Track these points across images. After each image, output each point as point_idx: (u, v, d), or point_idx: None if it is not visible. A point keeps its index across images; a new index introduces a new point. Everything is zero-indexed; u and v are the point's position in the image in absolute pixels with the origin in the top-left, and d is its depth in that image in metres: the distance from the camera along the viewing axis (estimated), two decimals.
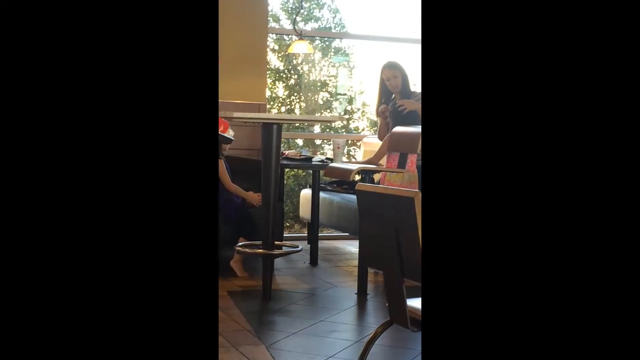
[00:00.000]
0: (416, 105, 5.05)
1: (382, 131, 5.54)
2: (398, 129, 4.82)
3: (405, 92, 5.30)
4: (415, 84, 5.60)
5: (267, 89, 6.70)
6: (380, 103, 5.45)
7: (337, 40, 8.44)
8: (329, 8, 8.29)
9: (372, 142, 6.12)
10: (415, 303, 2.38)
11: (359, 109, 8.57)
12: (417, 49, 7.14)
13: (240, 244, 4.79)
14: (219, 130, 4.77)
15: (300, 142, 7.93)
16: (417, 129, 4.75)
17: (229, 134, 5.01)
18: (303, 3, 7.90)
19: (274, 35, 7.70)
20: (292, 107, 8.36)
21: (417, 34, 7.07)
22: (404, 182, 4.63)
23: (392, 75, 5.34)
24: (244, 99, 6.06)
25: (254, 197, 4.98)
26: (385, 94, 5.41)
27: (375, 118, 6.59)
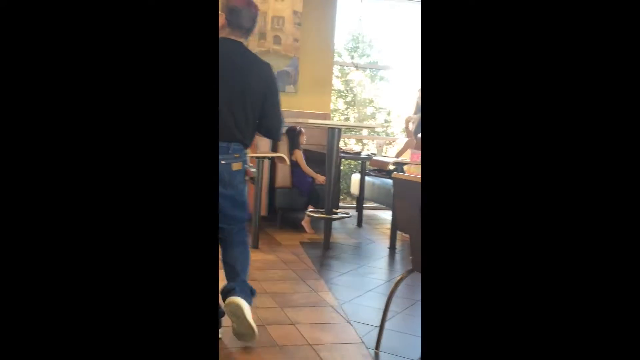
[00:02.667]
0: None
1: (408, 133, 5.52)
2: (421, 134, 4.81)
3: None
4: None
5: (331, 103, 6.71)
6: (415, 112, 5.41)
7: (382, 71, 8.38)
8: (377, 48, 8.23)
9: (403, 143, 6.09)
10: None
11: (395, 118, 8.52)
12: None
13: (309, 209, 4.85)
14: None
15: (353, 141, 7.92)
16: None
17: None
18: (359, 45, 7.88)
19: (337, 67, 7.69)
20: (348, 117, 8.34)
21: None
22: None
23: (418, 94, 5.32)
24: (316, 109, 6.09)
25: (320, 178, 5.02)
26: (419, 106, 5.37)
27: (404, 125, 6.55)
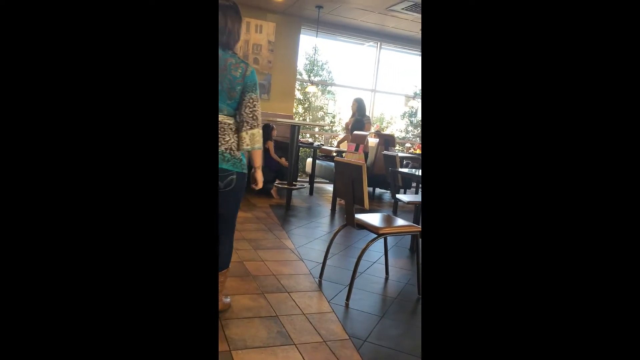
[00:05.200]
0: (359, 125, 5.14)
1: (346, 131, 5.58)
2: (355, 132, 4.85)
3: (361, 113, 5.31)
4: (369, 110, 5.64)
5: (294, 108, 6.65)
6: (351, 117, 5.48)
7: (329, 87, 8.34)
8: (326, 70, 8.19)
9: (342, 137, 6.14)
10: (358, 216, 2.42)
11: (338, 121, 8.53)
12: (367, 93, 7.08)
13: (277, 182, 4.83)
14: (359, 149, 4.66)
15: (308, 135, 7.88)
16: (364, 133, 4.78)
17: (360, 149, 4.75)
18: (314, 67, 7.80)
19: (299, 82, 7.62)
20: (305, 118, 8.28)
21: (369, 84, 7.00)
22: (355, 158, 4.71)
23: (353, 103, 5.37)
24: (284, 112, 6.04)
25: (284, 162, 5.00)
26: (354, 112, 5.44)
27: (343, 126, 6.59)
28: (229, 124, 1.71)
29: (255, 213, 4.06)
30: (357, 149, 4.79)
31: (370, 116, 6.75)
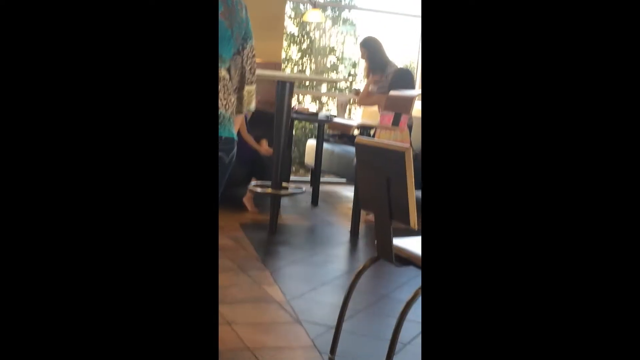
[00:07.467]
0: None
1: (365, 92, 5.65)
2: (394, 92, 4.79)
3: (376, 65, 5.35)
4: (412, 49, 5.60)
5: (282, 51, 6.65)
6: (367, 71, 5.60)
7: (346, 11, 8.35)
8: None
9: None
10: (400, 242, 2.40)
11: (360, 72, 8.54)
12: (416, 22, 7.07)
13: (252, 183, 4.83)
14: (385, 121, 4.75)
15: (309, 98, 7.89)
16: (413, 92, 4.74)
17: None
18: None
19: (292, 3, 7.61)
20: (303, 69, 8.30)
21: (416, 9, 6.99)
22: (396, 139, 4.62)
23: (361, 50, 5.45)
24: (262, 58, 6.03)
25: (265, 148, 4.99)
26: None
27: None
28: (229, 80, 2.12)
29: None
30: (396, 123, 4.75)
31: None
